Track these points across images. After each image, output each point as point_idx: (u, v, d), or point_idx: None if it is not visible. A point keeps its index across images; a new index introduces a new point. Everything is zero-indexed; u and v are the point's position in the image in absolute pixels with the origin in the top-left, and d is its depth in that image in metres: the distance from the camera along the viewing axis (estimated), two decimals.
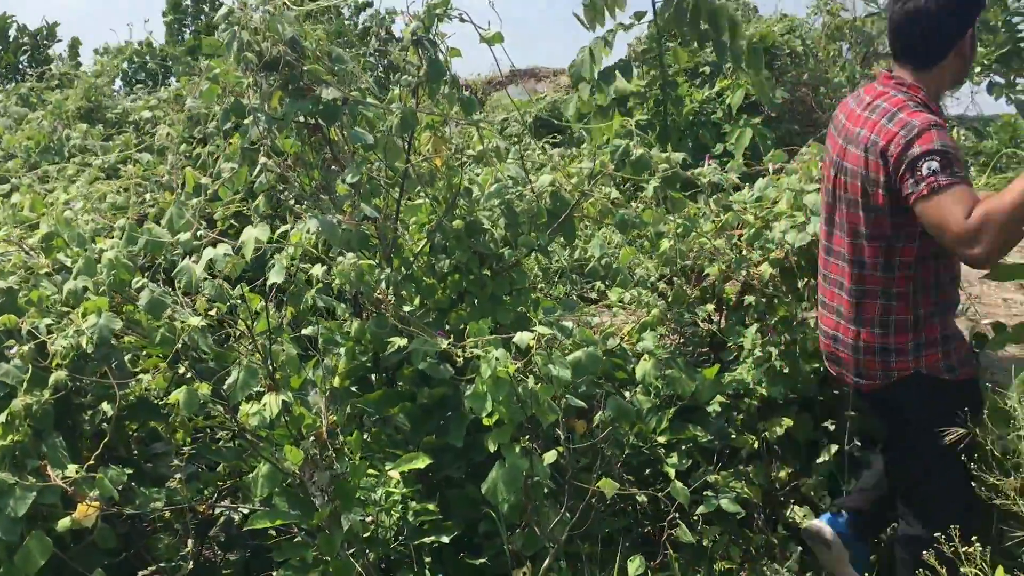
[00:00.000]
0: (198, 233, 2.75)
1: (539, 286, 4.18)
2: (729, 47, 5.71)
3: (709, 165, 3.18)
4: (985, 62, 6.40)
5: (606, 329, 3.69)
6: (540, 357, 2.28)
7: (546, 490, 2.54)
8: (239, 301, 2.50)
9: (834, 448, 3.08)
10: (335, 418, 2.49)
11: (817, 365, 3.20)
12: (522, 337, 2.32)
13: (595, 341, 3.14)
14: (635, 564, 2.47)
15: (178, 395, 2.28)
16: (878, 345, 2.50)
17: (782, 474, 3.19)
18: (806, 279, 3.22)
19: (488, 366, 2.36)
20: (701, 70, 7.33)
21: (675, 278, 3.58)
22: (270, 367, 2.38)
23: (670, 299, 3.59)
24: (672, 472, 2.99)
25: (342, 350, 2.97)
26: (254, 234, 2.38)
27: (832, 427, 3.17)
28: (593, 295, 4.60)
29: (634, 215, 3.18)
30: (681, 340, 3.67)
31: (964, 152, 6.24)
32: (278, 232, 2.58)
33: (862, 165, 2.40)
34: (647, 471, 3.18)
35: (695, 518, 2.89)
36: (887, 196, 2.35)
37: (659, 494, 2.71)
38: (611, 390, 2.90)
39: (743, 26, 6.09)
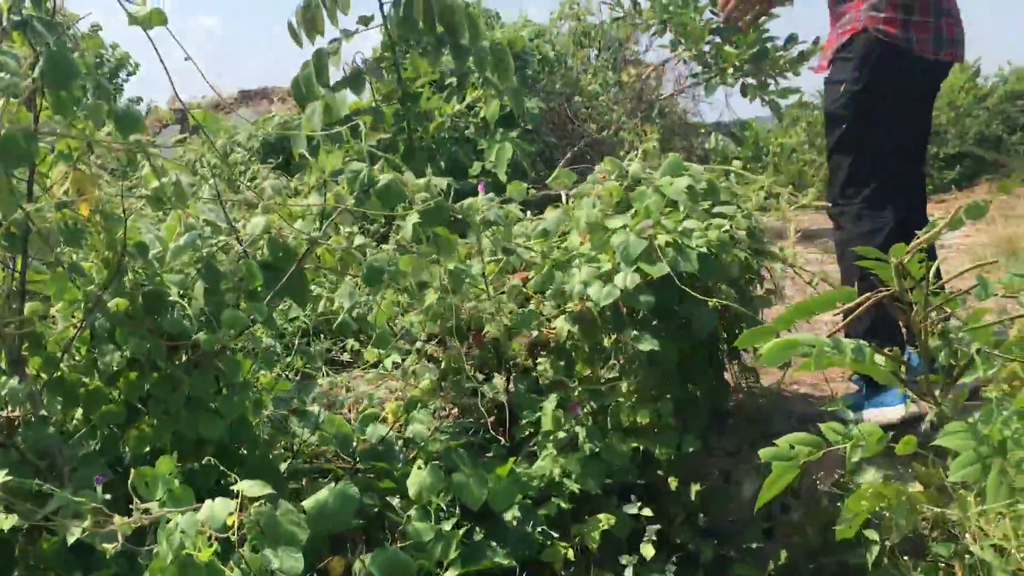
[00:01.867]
0: None
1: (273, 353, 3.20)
2: (472, 52, 5.00)
3: (483, 194, 2.39)
4: (737, 63, 6.16)
5: (364, 410, 2.83)
6: (252, 538, 1.37)
7: None
8: None
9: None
10: None
11: (636, 444, 2.50)
12: (215, 514, 1.39)
13: (347, 430, 2.28)
14: None
15: None
16: None
17: None
18: (613, 336, 2.51)
19: (168, 543, 1.42)
20: (448, 81, 6.62)
21: (447, 337, 2.78)
22: None
23: (443, 364, 2.79)
24: None
25: None
26: None
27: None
28: (345, 356, 3.70)
29: (387, 262, 2.34)
30: (460, 415, 2.87)
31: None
32: None
33: None
34: None
35: None
36: None
37: None
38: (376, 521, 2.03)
39: (485, 28, 5.41)
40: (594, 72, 7.08)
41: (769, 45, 6.18)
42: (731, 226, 2.62)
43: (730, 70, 6.17)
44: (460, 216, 2.35)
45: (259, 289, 2.13)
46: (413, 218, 2.13)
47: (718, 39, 6.16)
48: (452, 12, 4.93)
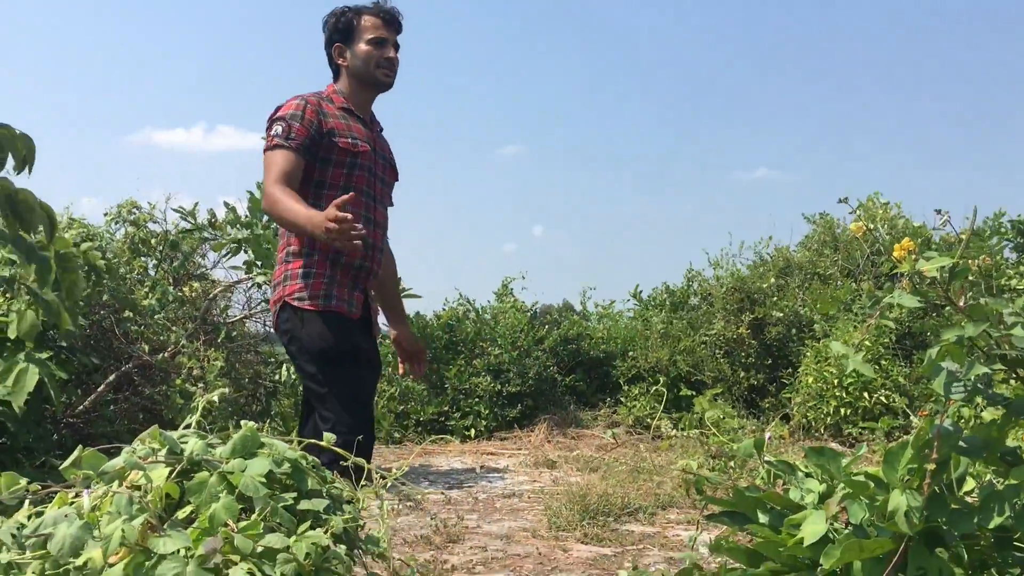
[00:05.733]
0: None
1: None
2: (28, 250, 3.96)
3: None
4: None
5: None
6: None
7: None
8: None
9: None
10: None
11: None
12: None
13: None
14: None
15: None
16: None
17: None
18: None
19: None
20: None
21: None
22: None
23: None
24: None
25: None
26: None
27: None
28: None
29: None
30: None
31: None
32: None
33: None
34: None
35: None
36: None
37: None
38: None
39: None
40: (152, 285, 6.22)
41: None
42: (327, 533, 1.99)
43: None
44: None
45: None
46: None
47: None
48: (24, 204, 3.90)
